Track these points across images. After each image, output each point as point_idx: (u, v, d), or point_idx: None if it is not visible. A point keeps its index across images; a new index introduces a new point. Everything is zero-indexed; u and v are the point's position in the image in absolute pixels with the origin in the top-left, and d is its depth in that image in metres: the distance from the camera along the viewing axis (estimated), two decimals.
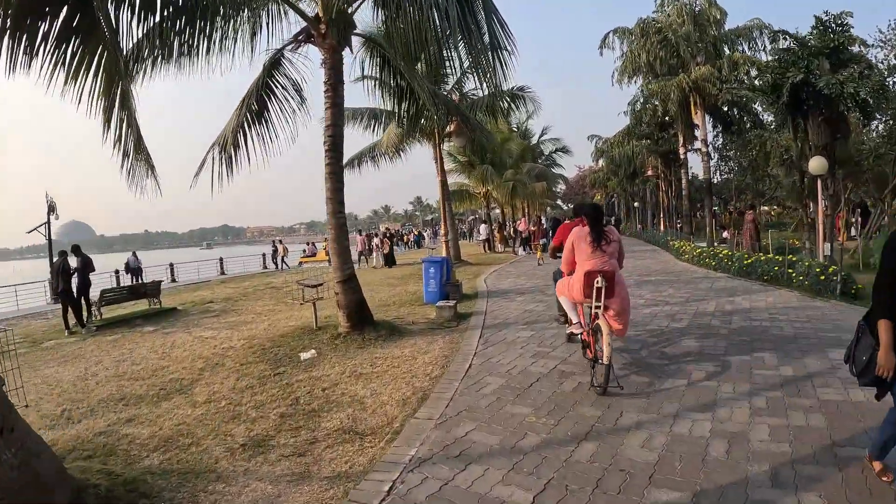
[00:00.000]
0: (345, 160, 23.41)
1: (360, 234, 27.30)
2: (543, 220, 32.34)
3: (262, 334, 9.73)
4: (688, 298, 10.62)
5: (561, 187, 70.87)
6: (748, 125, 25.76)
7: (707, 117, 25.46)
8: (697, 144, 29.41)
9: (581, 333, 6.08)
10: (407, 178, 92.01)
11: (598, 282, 5.42)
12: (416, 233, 53.54)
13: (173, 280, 28.86)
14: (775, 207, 41.85)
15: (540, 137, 41.79)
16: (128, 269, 28.68)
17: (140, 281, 28.72)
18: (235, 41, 8.83)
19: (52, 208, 22.64)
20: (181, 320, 12.85)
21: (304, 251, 35.32)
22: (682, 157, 27.88)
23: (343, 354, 7.63)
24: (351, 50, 9.50)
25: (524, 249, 27.20)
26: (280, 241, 33.98)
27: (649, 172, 33.40)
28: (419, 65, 17.76)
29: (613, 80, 28.06)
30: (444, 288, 12.07)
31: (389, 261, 24.17)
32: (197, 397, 6.36)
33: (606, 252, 5.57)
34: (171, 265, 30.00)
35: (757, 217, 17.76)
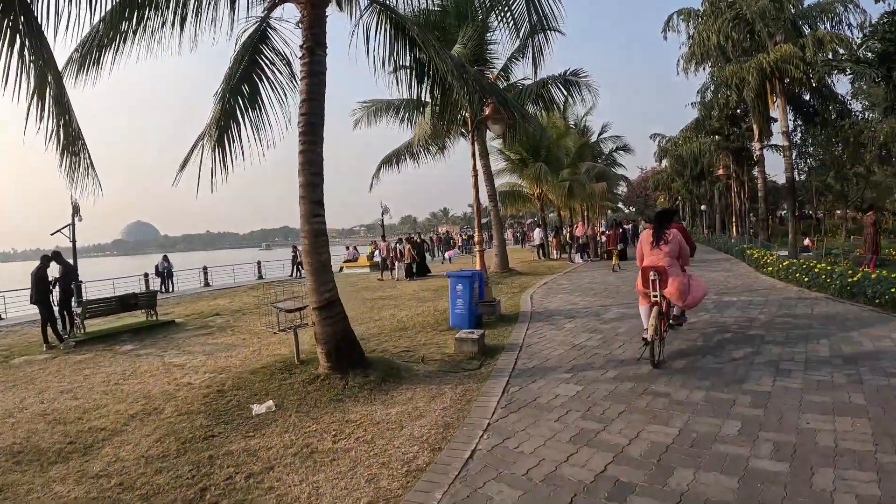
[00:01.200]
0: (383, 155, 21.68)
1: (384, 241, 24.22)
2: (610, 224, 29.41)
3: (237, 365, 7.95)
4: (787, 332, 7.98)
5: (623, 189, 67.14)
6: (833, 116, 22.41)
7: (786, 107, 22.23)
8: (774, 140, 26.22)
9: (647, 335, 6.32)
10: (456, 177, 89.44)
11: (651, 275, 6.52)
12: (465, 237, 50.10)
13: (206, 284, 27.74)
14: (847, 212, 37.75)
15: (599, 135, 38.89)
16: (157, 272, 27.59)
17: (172, 286, 27.78)
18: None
19: (76, 210, 22.27)
20: (168, 338, 11.20)
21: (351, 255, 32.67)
22: (757, 153, 24.50)
23: (307, 412, 5.54)
24: (340, 7, 7.46)
25: (581, 257, 24.61)
26: (296, 247, 30.98)
27: (720, 171, 29.83)
28: (456, 47, 15.83)
29: (679, 69, 25.14)
30: (476, 308, 9.92)
31: (416, 272, 21.09)
32: (94, 464, 4.67)
33: (662, 251, 6.69)
34: (205, 268, 28.81)
35: (879, 220, 14.49)
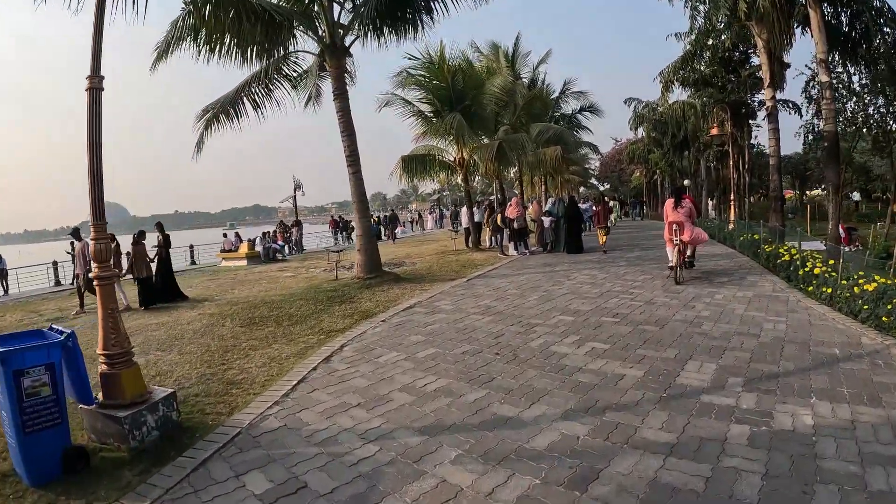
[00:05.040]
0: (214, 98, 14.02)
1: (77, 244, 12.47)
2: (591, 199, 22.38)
3: None
4: None
5: (595, 163, 59.83)
6: (882, 48, 15.24)
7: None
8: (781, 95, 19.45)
9: (672, 264, 10.37)
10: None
11: (675, 227, 10.29)
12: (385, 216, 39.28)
13: (57, 283, 21.17)
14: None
15: (561, 92, 31.68)
16: None
17: (5, 287, 21.31)
18: None
19: None
20: None
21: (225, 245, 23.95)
22: (768, 103, 17.33)
23: None
24: None
25: (517, 248, 17.45)
26: (74, 241, 18.62)
27: (713, 131, 22.76)
28: None
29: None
30: (57, 433, 2.98)
31: (153, 296, 12.00)
32: None
33: (680, 212, 10.37)
34: (55, 263, 22.12)
35: None
